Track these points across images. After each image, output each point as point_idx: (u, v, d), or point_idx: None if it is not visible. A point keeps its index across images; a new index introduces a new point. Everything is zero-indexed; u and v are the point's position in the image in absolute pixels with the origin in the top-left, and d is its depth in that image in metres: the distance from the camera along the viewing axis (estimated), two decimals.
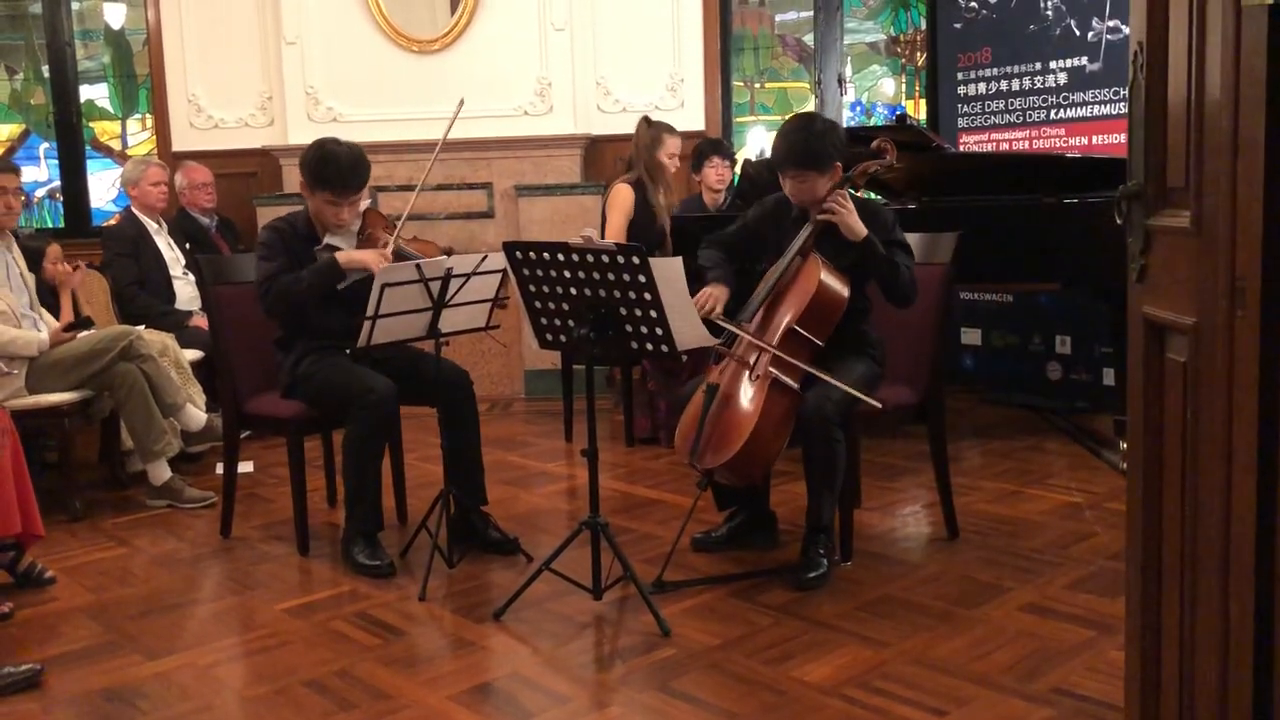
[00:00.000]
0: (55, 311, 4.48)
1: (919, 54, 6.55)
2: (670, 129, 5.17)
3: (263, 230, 3.70)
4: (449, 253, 3.59)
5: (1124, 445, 4.08)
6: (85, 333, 4.17)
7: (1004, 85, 5.71)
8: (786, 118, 3.47)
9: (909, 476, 4.31)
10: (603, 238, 4.71)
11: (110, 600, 3.28)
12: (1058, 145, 5.51)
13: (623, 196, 5.01)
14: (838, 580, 3.21)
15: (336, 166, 3.47)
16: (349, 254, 3.48)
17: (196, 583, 3.46)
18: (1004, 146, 5.72)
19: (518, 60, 6.16)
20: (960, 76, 5.89)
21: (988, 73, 5.78)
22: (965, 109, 5.90)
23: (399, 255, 3.50)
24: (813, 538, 3.23)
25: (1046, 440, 4.85)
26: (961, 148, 5.83)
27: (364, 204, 3.64)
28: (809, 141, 3.24)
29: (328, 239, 3.58)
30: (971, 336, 5.84)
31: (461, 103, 3.67)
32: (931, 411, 3.51)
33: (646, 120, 5.17)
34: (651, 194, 5.05)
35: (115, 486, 4.51)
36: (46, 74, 6.92)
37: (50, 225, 7.07)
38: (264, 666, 2.79)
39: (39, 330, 4.14)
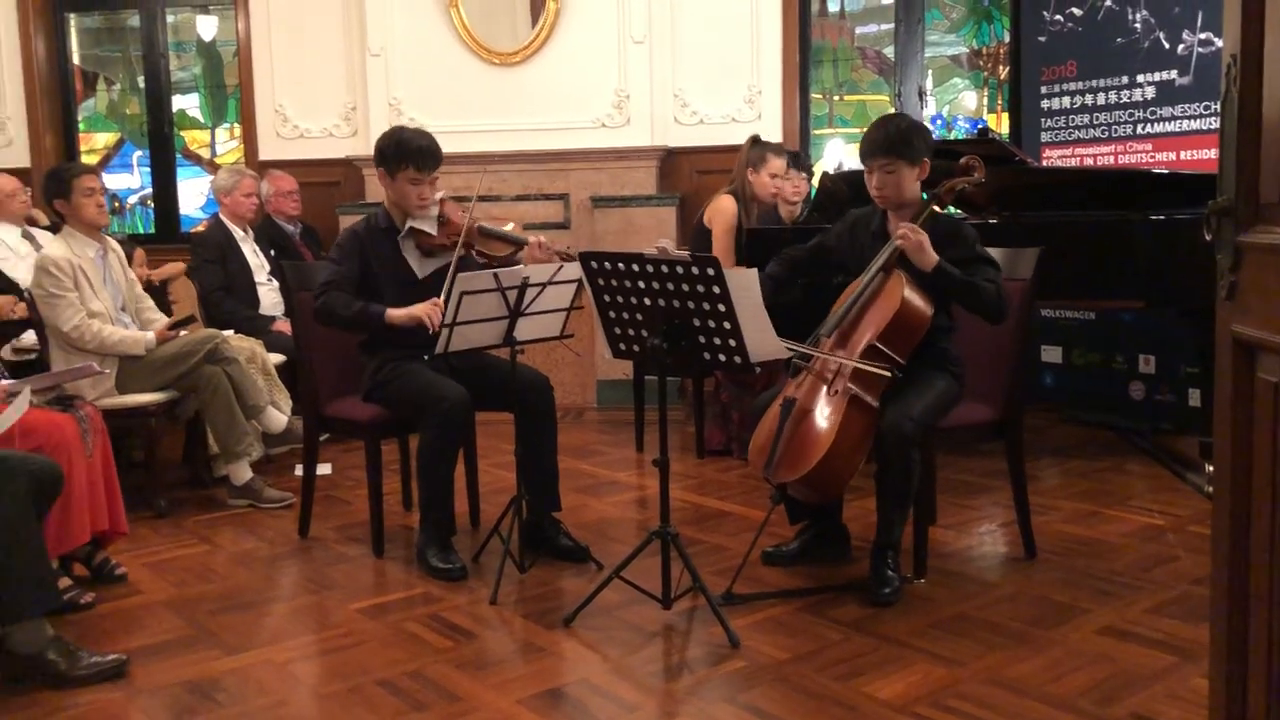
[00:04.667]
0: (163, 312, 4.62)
1: (1001, 67, 6.47)
2: (777, 150, 5.12)
3: (342, 232, 3.79)
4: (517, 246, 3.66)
5: (1209, 467, 3.97)
6: (185, 332, 4.29)
7: (1089, 99, 5.61)
8: (866, 130, 3.45)
9: (986, 495, 4.24)
10: (695, 248, 4.72)
11: (192, 595, 3.36)
12: (1144, 161, 5.40)
13: (727, 206, 4.99)
14: (911, 597, 3.17)
15: (415, 142, 3.59)
16: (398, 313, 3.51)
17: (274, 581, 3.54)
18: (1088, 161, 5.62)
19: (596, 72, 6.21)
20: (1044, 90, 5.80)
21: (1072, 86, 5.68)
22: (1049, 123, 5.80)
23: (482, 232, 3.60)
24: (881, 554, 3.20)
25: (1128, 461, 4.74)
26: (1044, 162, 5.74)
27: (440, 194, 3.70)
28: (901, 129, 3.22)
29: (410, 224, 3.64)
30: (1052, 354, 5.73)
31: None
32: (1010, 429, 3.46)
33: (753, 139, 5.15)
34: (743, 210, 5.04)
35: (198, 485, 4.63)
36: (142, 85, 7.15)
37: (141, 230, 7.29)
38: (338, 665, 2.84)
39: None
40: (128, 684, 2.73)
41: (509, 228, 3.76)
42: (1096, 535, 3.73)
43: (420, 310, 3.48)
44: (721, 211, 4.99)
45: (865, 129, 3.43)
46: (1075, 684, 2.60)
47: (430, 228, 3.66)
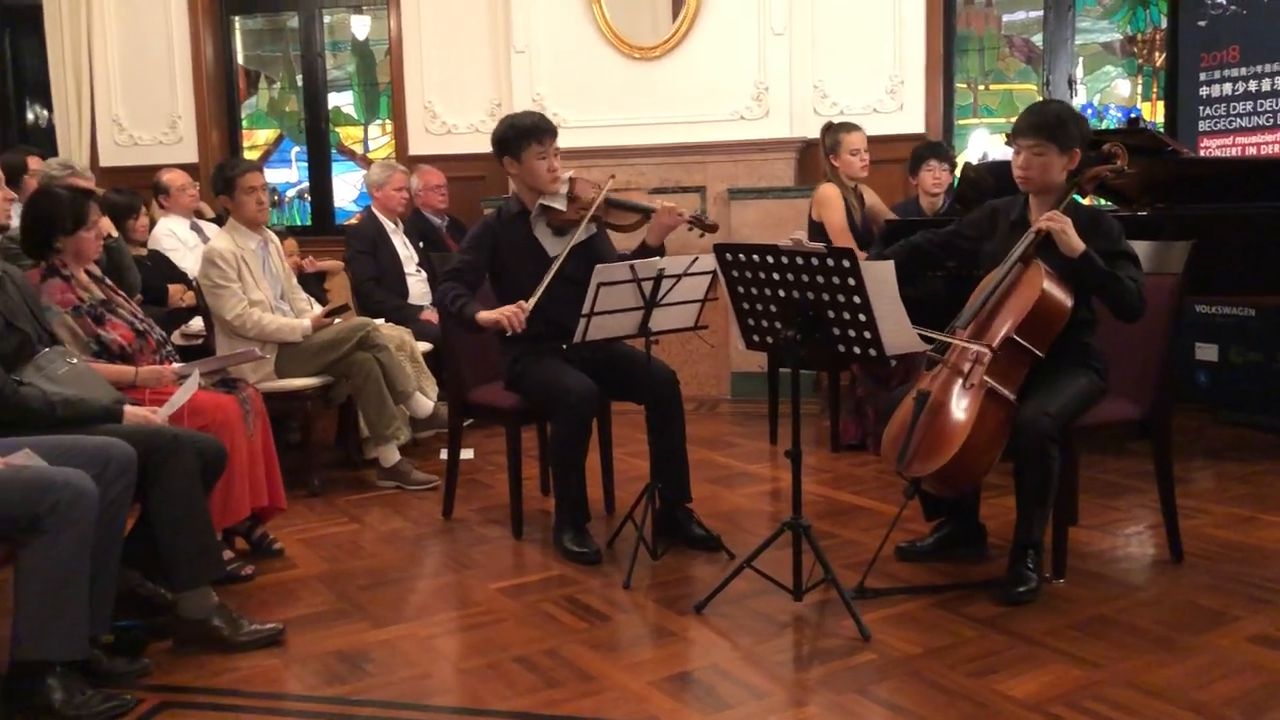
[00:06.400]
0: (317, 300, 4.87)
1: (1157, 53, 6.22)
2: (847, 126, 5.07)
3: (476, 224, 3.91)
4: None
5: None
6: (339, 320, 4.50)
7: (1252, 86, 5.35)
8: (1012, 120, 3.38)
9: (1131, 495, 4.11)
10: (817, 239, 4.71)
11: (342, 571, 3.54)
12: None
13: (831, 195, 4.97)
14: (1048, 597, 3.11)
15: (528, 119, 3.71)
16: (486, 315, 3.57)
17: (419, 559, 3.69)
18: (1250, 151, 5.37)
19: (736, 65, 6.22)
20: (1203, 77, 5.56)
21: (1234, 73, 5.43)
22: (1207, 111, 5.56)
23: (611, 204, 3.69)
24: (1021, 553, 3.14)
25: None
26: (1202, 152, 5.50)
27: (569, 172, 3.79)
28: (1057, 112, 3.16)
29: (541, 202, 3.73)
30: (1207, 352, 5.50)
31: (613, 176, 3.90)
32: (1157, 428, 3.35)
33: (825, 127, 5.12)
34: (848, 195, 5.00)
35: (349, 467, 4.84)
36: (300, 83, 7.48)
37: (299, 223, 7.64)
38: (478, 641, 2.96)
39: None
40: (284, 651, 2.90)
41: (638, 197, 3.80)
42: (1251, 541, 3.58)
43: (504, 313, 3.53)
44: (827, 202, 4.96)
45: (1013, 119, 3.36)
46: (1222, 692, 2.52)
47: (560, 204, 3.74)
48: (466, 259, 3.74)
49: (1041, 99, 3.30)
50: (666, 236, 3.70)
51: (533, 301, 3.53)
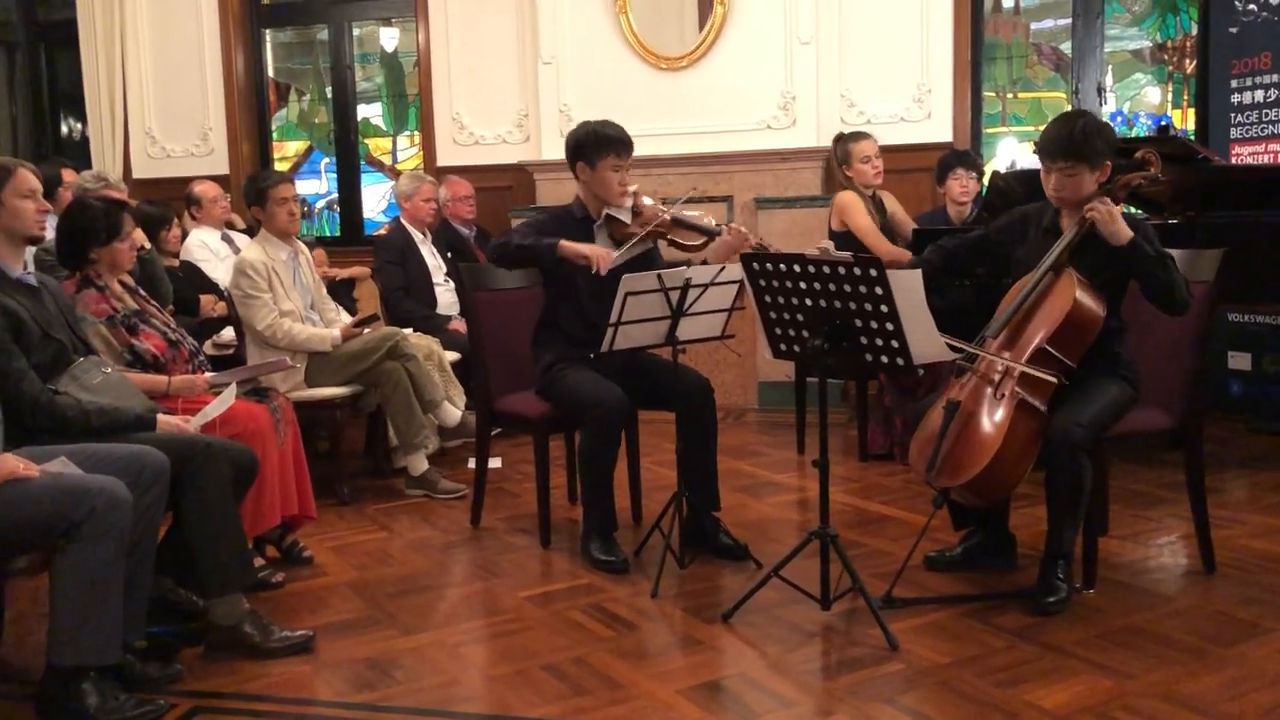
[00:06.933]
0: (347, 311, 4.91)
1: (1188, 60, 6.17)
2: (855, 135, 5.05)
3: (553, 207, 3.93)
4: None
5: None
6: (368, 330, 4.53)
7: None
8: (1040, 129, 3.36)
9: (1163, 506, 4.07)
10: (844, 248, 4.70)
11: (372, 579, 3.56)
12: None
13: (850, 200, 4.96)
14: (1079, 607, 3.09)
15: (611, 131, 3.74)
16: (572, 245, 3.62)
17: (447, 567, 3.71)
18: None
19: (762, 74, 6.23)
20: (1234, 84, 5.52)
21: (1267, 79, 5.38)
22: (1239, 118, 5.51)
23: (677, 222, 3.73)
24: (1051, 564, 3.12)
25: None
26: (1234, 159, 5.46)
27: (633, 187, 3.81)
28: (1084, 131, 3.12)
29: (608, 212, 3.77)
30: (1240, 361, 5.44)
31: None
32: (1188, 438, 3.32)
33: (835, 139, 5.12)
34: (867, 202, 4.99)
35: (378, 475, 4.87)
36: (329, 95, 7.56)
37: (328, 233, 7.71)
38: (506, 649, 2.97)
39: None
40: (314, 658, 2.93)
41: (704, 219, 3.82)
42: None
43: (591, 249, 3.58)
44: (848, 207, 4.94)
45: (1041, 127, 3.35)
46: (1257, 703, 2.50)
47: (625, 217, 3.77)
48: (541, 219, 3.78)
49: (1066, 111, 3.26)
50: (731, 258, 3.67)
51: (616, 257, 3.57)
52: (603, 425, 3.53)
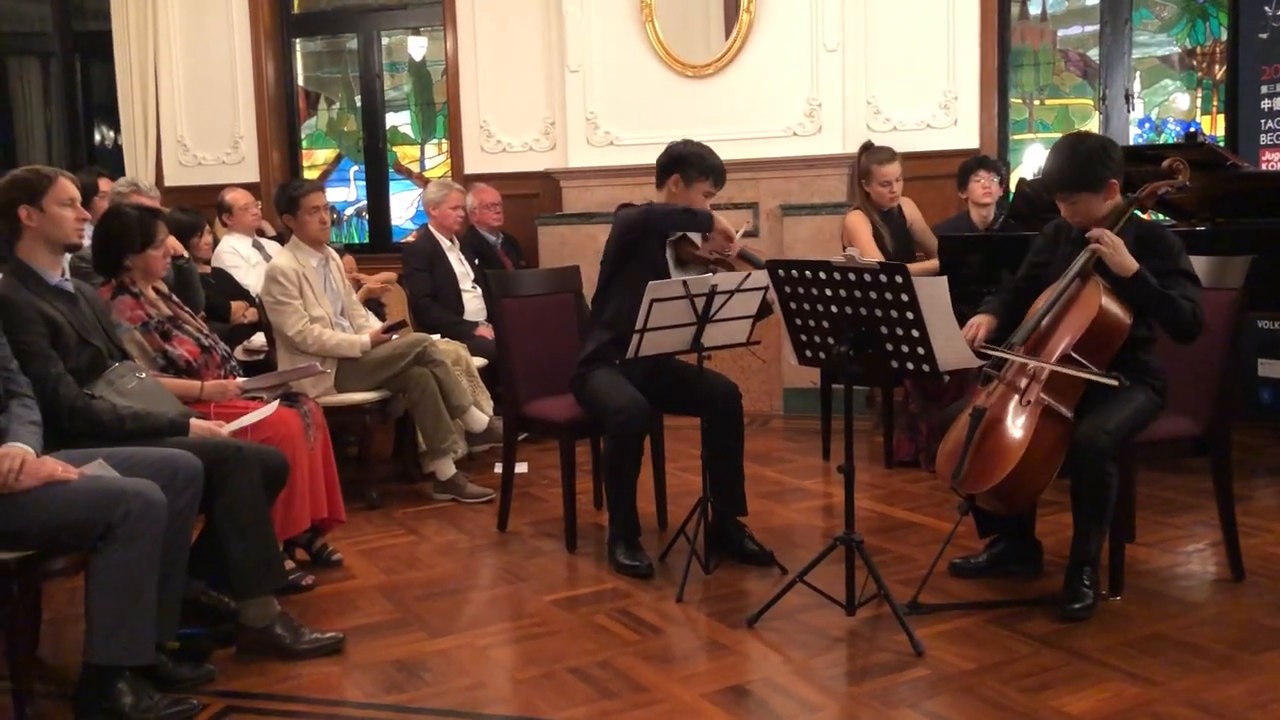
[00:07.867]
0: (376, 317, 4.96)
1: (1217, 67, 6.14)
2: (882, 158, 5.03)
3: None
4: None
5: None
6: (397, 336, 4.58)
7: None
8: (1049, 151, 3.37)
9: (1190, 513, 4.05)
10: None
11: (400, 582, 3.60)
12: None
13: (857, 223, 5.00)
14: (1105, 614, 3.08)
15: (716, 161, 3.80)
16: (722, 220, 3.75)
17: (474, 571, 3.74)
18: None
19: (788, 81, 6.24)
20: (1265, 90, 5.48)
21: None
22: (1270, 124, 5.48)
23: (742, 255, 3.83)
24: (1077, 570, 3.12)
25: None
26: (1264, 166, 5.42)
27: None
28: (1076, 163, 3.15)
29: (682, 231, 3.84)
30: (1271, 368, 5.40)
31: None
32: (1215, 445, 3.31)
33: (862, 149, 5.13)
34: (876, 222, 5.01)
35: (406, 480, 4.91)
36: (358, 104, 7.63)
37: (356, 241, 7.77)
38: (533, 652, 2.99)
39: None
40: (344, 659, 2.96)
41: (760, 253, 3.94)
42: None
43: (731, 227, 3.74)
44: (855, 229, 4.99)
45: (1068, 133, 3.34)
46: None
47: (697, 239, 3.84)
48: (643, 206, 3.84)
49: (1065, 136, 3.28)
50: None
51: (742, 232, 3.76)
52: (622, 432, 3.56)
